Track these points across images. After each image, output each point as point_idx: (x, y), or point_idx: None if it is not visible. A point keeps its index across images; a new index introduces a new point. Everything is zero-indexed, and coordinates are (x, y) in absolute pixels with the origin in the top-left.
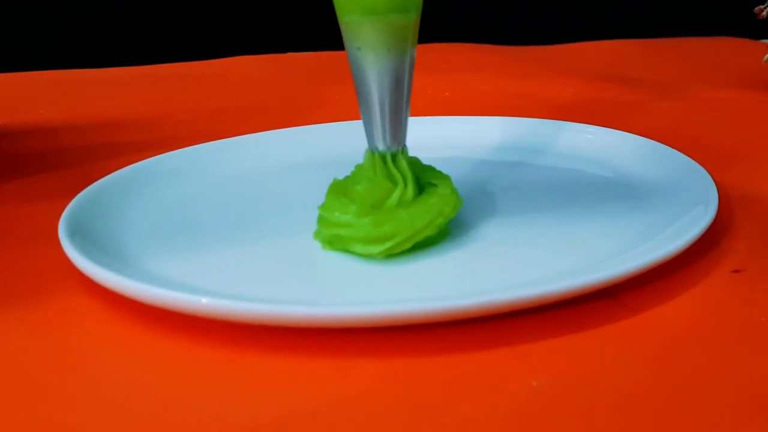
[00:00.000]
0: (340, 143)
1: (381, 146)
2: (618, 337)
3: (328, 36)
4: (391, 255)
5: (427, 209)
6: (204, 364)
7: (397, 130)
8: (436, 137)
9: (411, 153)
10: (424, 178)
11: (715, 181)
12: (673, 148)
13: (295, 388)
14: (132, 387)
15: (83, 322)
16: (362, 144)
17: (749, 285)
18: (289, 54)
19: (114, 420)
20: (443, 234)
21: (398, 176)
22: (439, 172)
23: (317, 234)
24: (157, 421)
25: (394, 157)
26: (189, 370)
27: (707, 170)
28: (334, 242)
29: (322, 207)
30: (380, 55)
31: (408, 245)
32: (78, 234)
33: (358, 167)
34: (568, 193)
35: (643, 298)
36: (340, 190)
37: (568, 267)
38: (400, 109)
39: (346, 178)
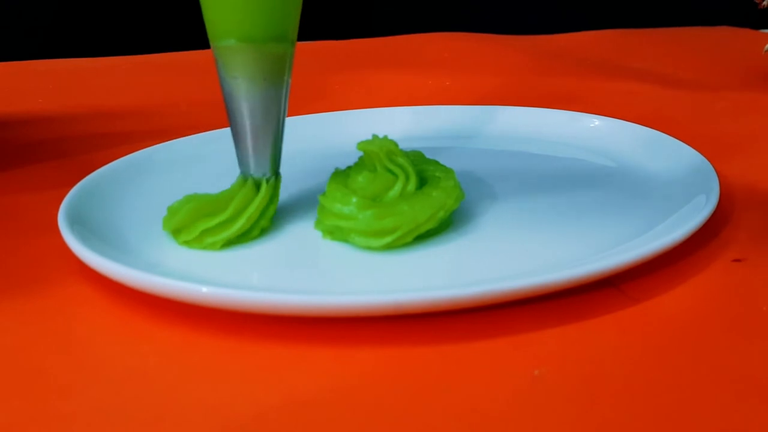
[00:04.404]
0: (342, 133)
1: (255, 173)
2: (619, 326)
3: (329, 26)
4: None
5: (429, 202)
6: (204, 353)
7: (271, 158)
8: (436, 127)
9: (412, 143)
10: (427, 170)
11: (716, 171)
12: (674, 137)
13: (295, 376)
14: (132, 376)
15: (83, 311)
16: (364, 133)
17: (750, 274)
18: None
19: (114, 409)
20: (445, 224)
21: (398, 169)
22: (443, 165)
23: (318, 224)
24: (157, 410)
25: (268, 182)
26: (189, 359)
27: (708, 160)
28: (335, 233)
29: (323, 197)
30: (256, 84)
31: (409, 239)
32: (78, 223)
33: (361, 158)
34: (570, 182)
35: (644, 288)
36: (341, 180)
37: (569, 256)
38: (274, 137)
39: (348, 168)
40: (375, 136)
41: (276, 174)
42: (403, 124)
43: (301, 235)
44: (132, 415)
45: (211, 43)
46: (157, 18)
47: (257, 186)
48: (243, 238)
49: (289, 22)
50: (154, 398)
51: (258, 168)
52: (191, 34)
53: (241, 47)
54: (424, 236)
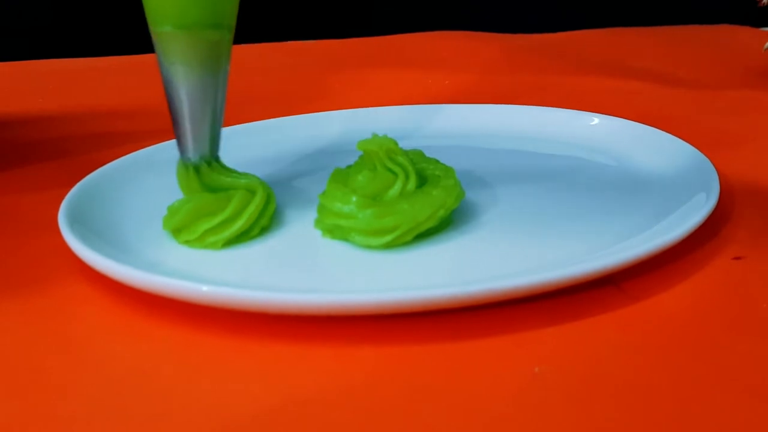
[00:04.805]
0: (341, 132)
1: (193, 157)
2: (619, 324)
3: (331, 24)
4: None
5: (429, 201)
6: (205, 352)
7: (209, 142)
8: (435, 125)
9: (412, 142)
10: (427, 169)
11: (715, 169)
12: (674, 135)
13: (296, 375)
14: (133, 375)
15: (83, 310)
16: (363, 132)
17: (750, 272)
18: (292, 42)
19: (115, 408)
20: (445, 223)
21: (398, 168)
22: (443, 164)
23: (318, 222)
24: (157, 409)
25: (208, 165)
26: (190, 358)
27: (708, 158)
28: (335, 232)
29: (323, 196)
30: (192, 70)
31: (409, 237)
32: (78, 222)
33: (361, 157)
34: (569, 181)
35: (644, 286)
36: (341, 179)
37: (569, 255)
38: (211, 123)
39: (348, 167)
40: (375, 135)
41: (215, 158)
42: (403, 122)
43: (300, 234)
44: (132, 414)
45: (150, 29)
46: None
47: (197, 172)
48: (243, 237)
49: (226, 8)
50: (155, 397)
51: (196, 152)
52: None
53: (177, 34)
54: (424, 235)
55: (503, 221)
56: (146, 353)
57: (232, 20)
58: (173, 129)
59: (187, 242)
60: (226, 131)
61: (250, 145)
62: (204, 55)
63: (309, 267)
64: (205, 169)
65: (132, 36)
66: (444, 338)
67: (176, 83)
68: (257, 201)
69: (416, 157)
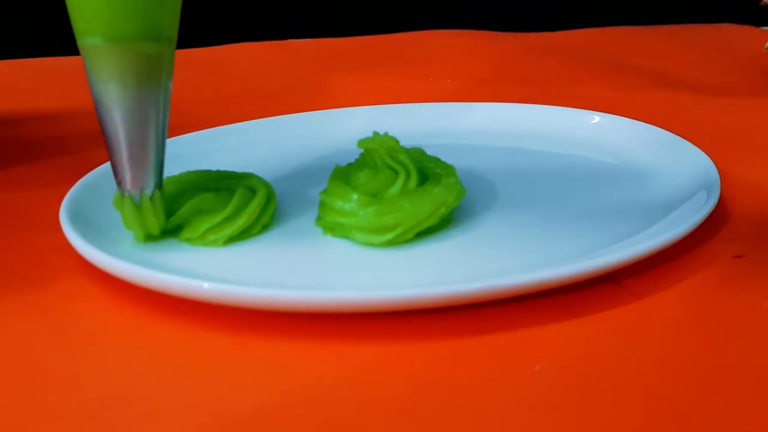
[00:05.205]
0: (342, 130)
1: (131, 189)
2: (620, 322)
3: (330, 23)
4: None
5: (430, 199)
6: (206, 349)
7: (152, 171)
8: (436, 124)
9: (413, 140)
10: (428, 167)
11: (717, 167)
12: (675, 134)
13: (297, 372)
14: (134, 372)
15: (85, 307)
16: (364, 130)
17: (751, 270)
18: (292, 41)
19: (116, 404)
20: (446, 221)
21: (399, 167)
22: (444, 162)
23: (318, 220)
24: (158, 405)
25: (151, 199)
26: (191, 355)
27: (709, 156)
28: (336, 229)
29: (324, 193)
30: (128, 88)
31: (410, 235)
32: (79, 219)
33: (362, 155)
34: (571, 179)
35: (645, 284)
36: (342, 177)
37: (570, 252)
38: (154, 149)
39: (349, 165)
40: (376, 134)
41: (159, 188)
42: (404, 121)
43: (302, 232)
44: (133, 410)
45: (77, 42)
46: None
47: (137, 205)
48: (244, 234)
49: (164, 18)
50: (156, 394)
51: (135, 183)
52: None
53: (108, 47)
54: (425, 233)
55: (504, 219)
56: (147, 350)
57: (172, 31)
58: (108, 156)
59: (188, 240)
60: (227, 129)
61: (251, 143)
62: (140, 71)
63: (310, 265)
64: (146, 204)
65: None
66: (445, 336)
67: (109, 104)
68: (258, 199)
69: (417, 155)
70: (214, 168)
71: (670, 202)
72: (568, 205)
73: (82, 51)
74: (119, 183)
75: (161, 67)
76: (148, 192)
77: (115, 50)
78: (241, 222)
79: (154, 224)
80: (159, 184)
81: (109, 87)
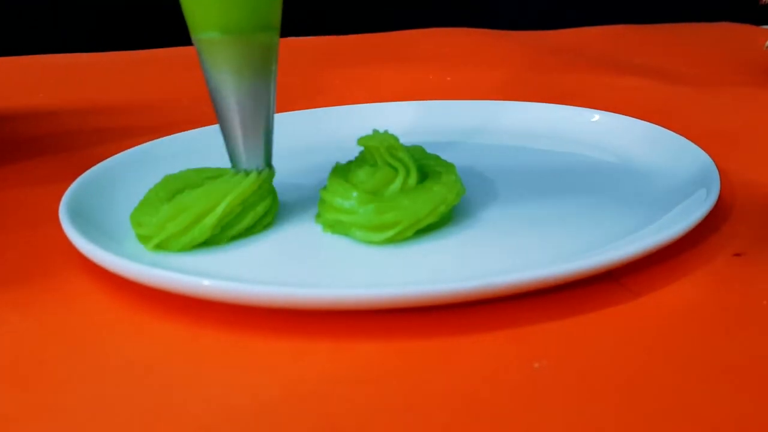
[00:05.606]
0: (342, 128)
1: (246, 166)
2: (619, 319)
3: (329, 21)
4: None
5: (430, 197)
6: (205, 346)
7: (264, 151)
8: (436, 122)
9: (413, 138)
10: (428, 165)
11: (716, 166)
12: (674, 132)
13: (296, 369)
14: (133, 369)
15: (84, 304)
16: (364, 128)
17: (750, 268)
18: (291, 38)
19: (115, 401)
20: (445, 219)
21: (399, 164)
22: (443, 160)
23: (318, 217)
24: (158, 402)
25: (268, 176)
26: (191, 352)
27: (709, 155)
28: (336, 227)
29: (324, 191)
30: (243, 77)
31: (410, 233)
32: (79, 216)
33: (362, 153)
34: (570, 177)
35: (644, 282)
36: (342, 174)
37: (570, 250)
38: (265, 130)
39: (349, 162)
40: (376, 131)
41: (269, 166)
42: (404, 119)
43: (301, 229)
44: (133, 407)
45: (192, 36)
46: (158, 13)
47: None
48: (245, 232)
49: (274, 8)
50: (155, 391)
51: (250, 162)
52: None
53: (225, 39)
54: (424, 231)
55: (504, 217)
56: (147, 347)
57: (279, 21)
58: (224, 139)
59: (167, 245)
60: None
61: None
62: (255, 60)
63: (310, 262)
64: (246, 178)
65: (135, 31)
66: (444, 333)
67: (225, 92)
68: (265, 203)
69: (417, 153)
70: (214, 165)
71: (670, 200)
72: (568, 203)
73: (197, 45)
74: (234, 164)
75: (272, 54)
76: (262, 167)
77: (231, 43)
78: (245, 222)
79: (274, 204)
80: (269, 162)
81: (226, 78)
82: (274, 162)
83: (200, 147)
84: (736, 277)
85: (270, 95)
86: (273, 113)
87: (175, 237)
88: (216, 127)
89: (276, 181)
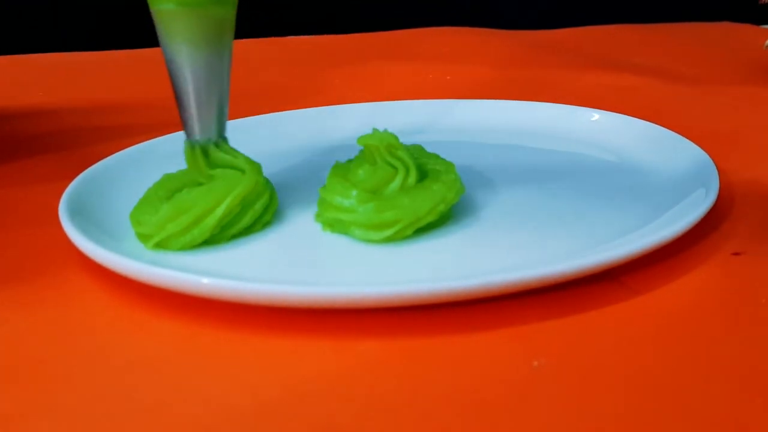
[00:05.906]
0: (342, 127)
1: (199, 137)
2: (619, 318)
3: (329, 20)
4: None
5: (429, 195)
6: (205, 345)
7: (216, 122)
8: (436, 121)
9: (412, 137)
10: (427, 164)
11: (715, 165)
12: (674, 131)
13: (296, 367)
14: (133, 367)
15: (84, 302)
16: (364, 127)
17: (749, 267)
18: (291, 38)
19: (115, 400)
20: (445, 218)
21: (398, 163)
22: (443, 159)
23: (318, 216)
24: (158, 400)
25: (217, 147)
26: (190, 350)
27: (708, 154)
28: (335, 225)
29: (324, 189)
30: (198, 49)
31: (409, 232)
32: (79, 215)
33: (361, 152)
34: (570, 176)
35: (644, 280)
36: (342, 173)
37: (569, 249)
38: (218, 102)
39: (349, 161)
40: (375, 130)
41: (221, 137)
42: (404, 118)
43: (301, 228)
44: (132, 405)
45: (151, 8)
46: None
47: (204, 153)
48: (245, 231)
49: None
50: (155, 389)
51: (203, 132)
52: None
53: (180, 11)
54: (424, 229)
55: (503, 216)
56: (147, 345)
57: None
58: (178, 110)
59: (167, 244)
60: (227, 126)
61: (251, 139)
62: (209, 32)
63: (309, 260)
64: (212, 150)
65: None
66: (443, 332)
67: (180, 63)
68: (263, 200)
69: (416, 152)
70: None
71: (669, 199)
72: (567, 202)
73: (155, 16)
74: (189, 135)
75: (226, 27)
76: (216, 139)
77: (186, 14)
78: (246, 220)
79: (273, 202)
80: (223, 133)
81: (182, 48)
82: (273, 161)
83: None
84: (735, 276)
85: (223, 67)
86: (227, 86)
87: (175, 237)
88: None
89: (276, 181)
